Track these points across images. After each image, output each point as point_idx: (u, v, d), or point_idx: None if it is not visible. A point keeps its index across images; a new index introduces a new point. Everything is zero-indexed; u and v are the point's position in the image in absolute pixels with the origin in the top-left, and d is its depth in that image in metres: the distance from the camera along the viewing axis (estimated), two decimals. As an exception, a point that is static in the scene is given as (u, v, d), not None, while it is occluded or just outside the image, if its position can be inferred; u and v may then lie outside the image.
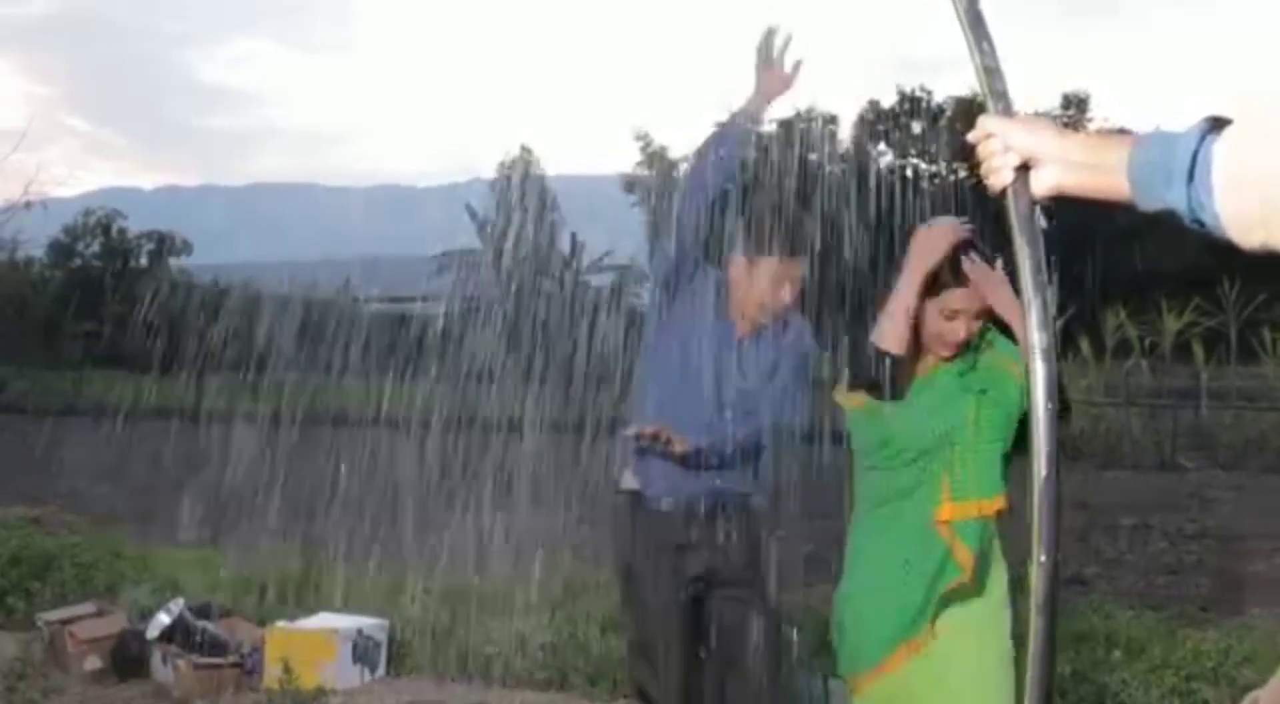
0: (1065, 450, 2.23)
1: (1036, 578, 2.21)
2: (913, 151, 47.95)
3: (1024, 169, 2.30)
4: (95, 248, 46.64)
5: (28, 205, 48.63)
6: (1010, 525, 4.29)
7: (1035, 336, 2.23)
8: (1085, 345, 26.12)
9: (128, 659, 8.11)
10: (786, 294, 5.76)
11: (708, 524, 5.51)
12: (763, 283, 5.69)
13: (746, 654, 5.43)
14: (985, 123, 2.38)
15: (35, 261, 46.25)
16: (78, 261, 45.20)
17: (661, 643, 5.47)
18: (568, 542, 8.95)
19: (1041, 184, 2.29)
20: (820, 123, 42.04)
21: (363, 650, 7.85)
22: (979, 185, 2.47)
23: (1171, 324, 27.19)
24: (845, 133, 45.64)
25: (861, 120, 46.55)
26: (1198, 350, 26.33)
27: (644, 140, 45.20)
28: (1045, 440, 2.20)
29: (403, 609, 8.31)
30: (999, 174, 2.33)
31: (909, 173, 44.87)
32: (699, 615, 5.51)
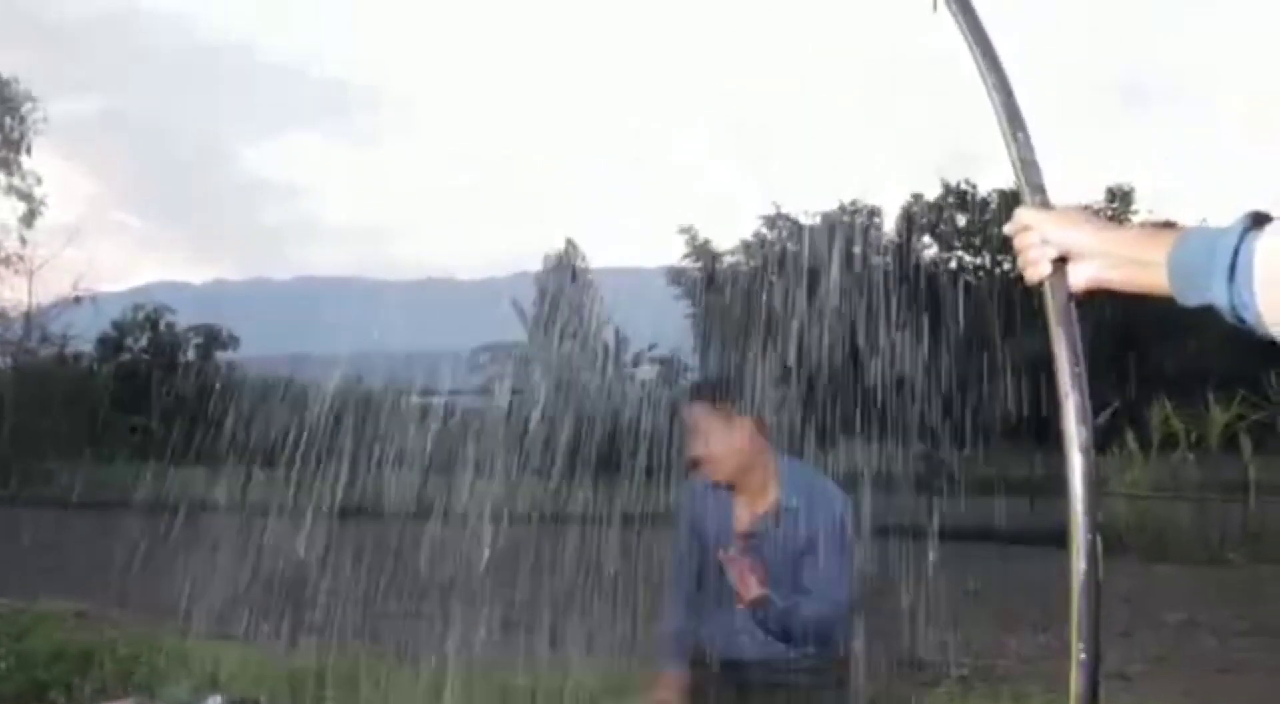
0: (1109, 543, 2.18)
1: (1076, 674, 2.17)
2: (958, 244, 48.03)
3: (1061, 262, 2.27)
4: (143, 342, 47.01)
5: (77, 300, 49.40)
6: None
7: (1074, 430, 2.20)
8: (1131, 438, 25.93)
9: (166, 756, 8.11)
10: (701, 444, 5.61)
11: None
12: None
13: None
14: (1022, 216, 2.36)
15: (84, 356, 46.62)
16: (126, 356, 45.50)
17: None
18: (613, 638, 8.90)
19: (1080, 277, 2.26)
20: (865, 216, 42.23)
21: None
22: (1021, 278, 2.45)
23: (1219, 417, 26.95)
24: (889, 225, 45.80)
25: (905, 213, 46.63)
26: (1245, 443, 26.08)
27: (689, 234, 45.50)
28: (1084, 533, 2.16)
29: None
30: (1036, 267, 2.30)
31: (953, 265, 44.97)
32: None
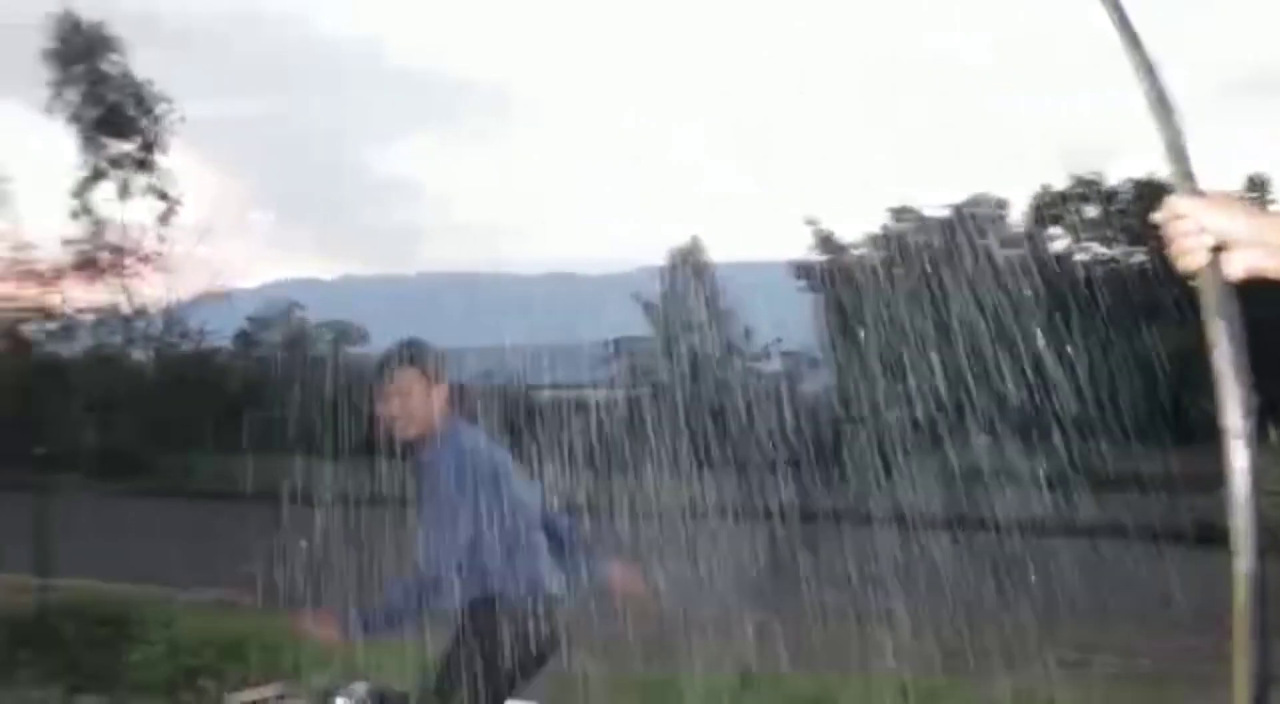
0: (1263, 542, 2.13)
1: (1241, 675, 2.12)
2: (1087, 235, 47.47)
3: (1217, 250, 2.22)
4: (276, 337, 47.52)
5: (214, 297, 50.00)
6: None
7: (1237, 422, 2.14)
8: (1275, 435, 25.38)
9: (311, 739, 8.19)
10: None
11: None
12: None
13: None
14: (1176, 204, 2.31)
15: (220, 351, 47.24)
16: (260, 350, 46.01)
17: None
18: (746, 624, 8.89)
19: (1237, 266, 2.21)
20: (992, 207, 41.91)
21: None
22: (1164, 267, 2.40)
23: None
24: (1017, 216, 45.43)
25: (1034, 205, 46.16)
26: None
27: (814, 226, 45.20)
28: (1247, 529, 2.11)
29: (569, 694, 8.29)
30: (1193, 256, 2.25)
31: (1084, 256, 44.49)
32: None
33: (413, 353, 6.79)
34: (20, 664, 10.18)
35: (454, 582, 6.39)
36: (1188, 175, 2.33)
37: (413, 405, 6.59)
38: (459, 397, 6.92)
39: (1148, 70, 2.41)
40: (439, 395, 6.64)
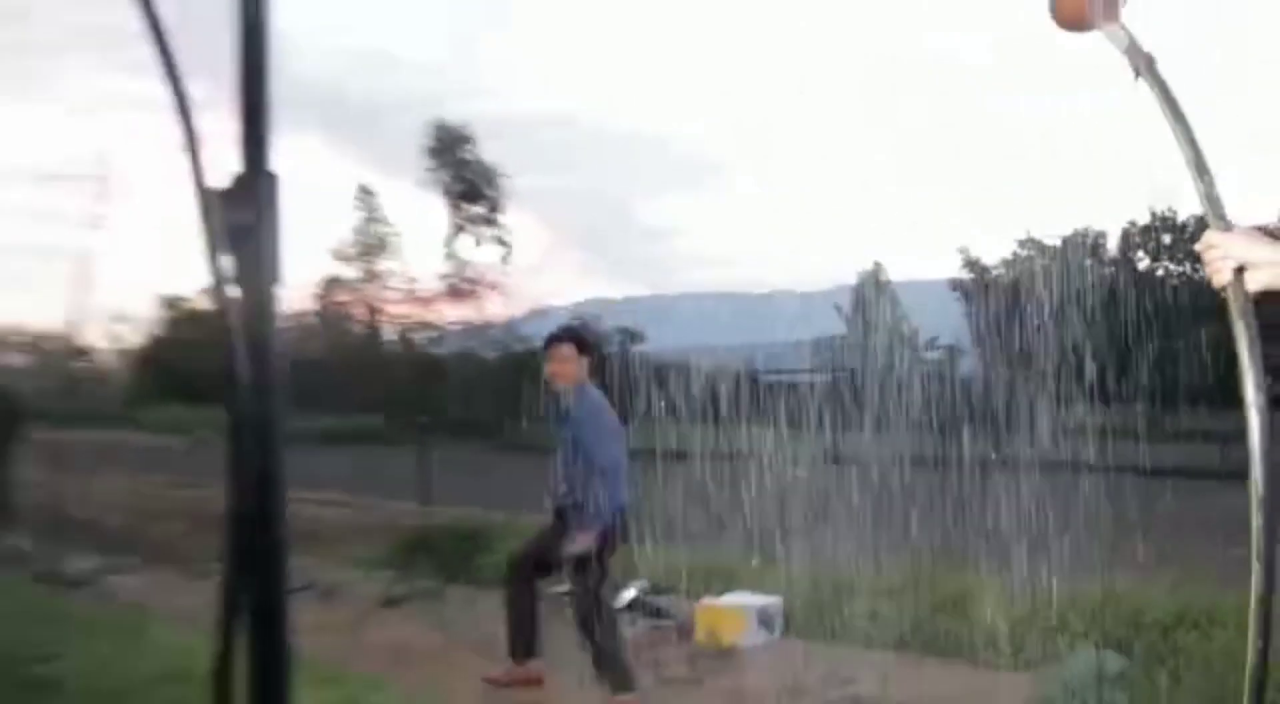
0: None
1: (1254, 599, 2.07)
2: (1164, 258, 45.90)
3: (1240, 271, 2.26)
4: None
5: (537, 313, 50.93)
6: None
7: (1252, 396, 2.14)
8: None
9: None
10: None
11: None
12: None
13: None
14: (1209, 236, 2.36)
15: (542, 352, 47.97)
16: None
17: None
18: (909, 547, 8.77)
19: (1254, 283, 2.26)
20: (1093, 237, 40.83)
21: (765, 619, 7.82)
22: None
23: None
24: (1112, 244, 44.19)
25: (1124, 235, 44.79)
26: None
27: (964, 253, 44.86)
28: (1260, 479, 2.09)
29: (794, 592, 8.24)
30: (1220, 275, 2.30)
31: (1161, 273, 43.10)
32: None
33: (568, 332, 7.45)
34: (413, 563, 10.43)
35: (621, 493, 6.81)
36: (1220, 216, 2.36)
37: (565, 368, 6.94)
38: (595, 365, 7.40)
39: (1189, 140, 2.38)
40: (583, 364, 6.98)
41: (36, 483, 13.68)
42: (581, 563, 6.69)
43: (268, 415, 1.13)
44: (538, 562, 7.12)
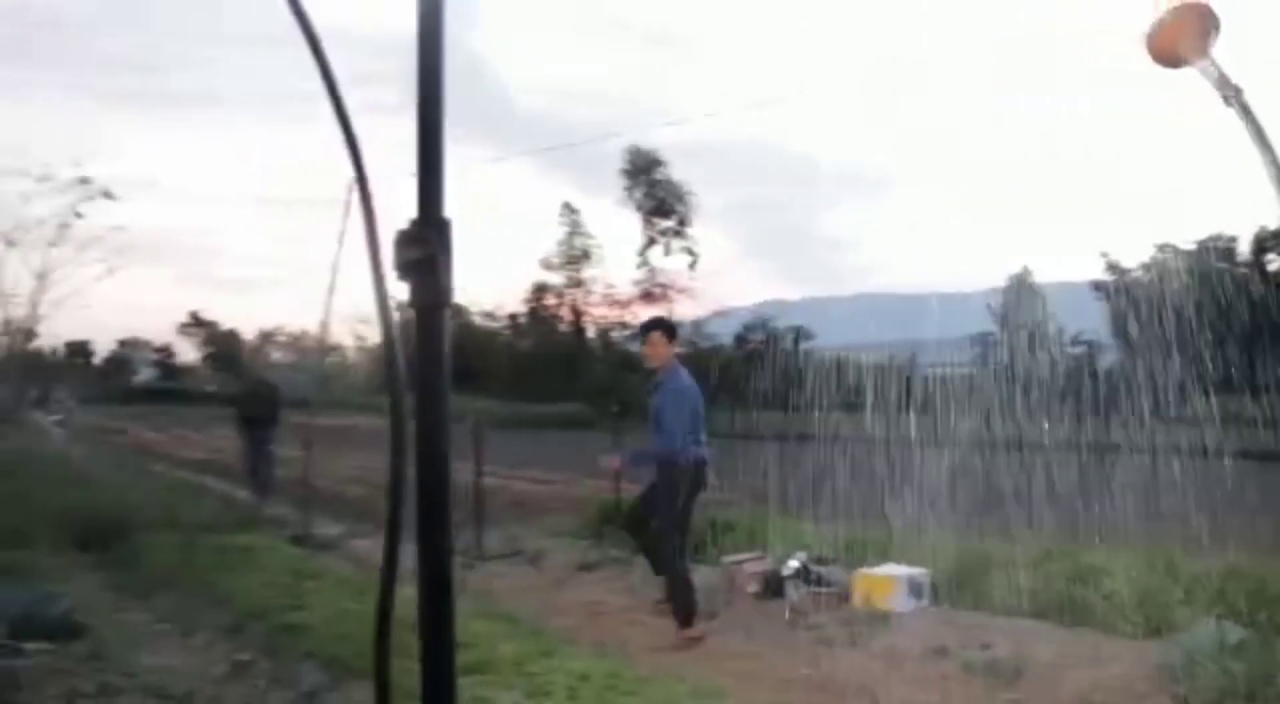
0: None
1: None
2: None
3: None
4: (760, 337, 48.04)
5: (720, 314, 50.97)
6: None
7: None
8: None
9: (772, 587, 8.30)
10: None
11: None
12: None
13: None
14: None
15: (725, 347, 48.17)
16: (749, 346, 46.50)
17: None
18: (1049, 523, 8.60)
19: None
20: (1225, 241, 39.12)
21: (914, 588, 7.76)
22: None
23: None
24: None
25: (1255, 239, 42.72)
26: None
27: (1106, 256, 43.46)
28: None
29: (941, 564, 8.16)
30: None
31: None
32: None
33: (659, 322, 8.12)
34: (606, 534, 10.61)
35: (676, 447, 7.25)
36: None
37: (657, 350, 7.63)
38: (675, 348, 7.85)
39: (1275, 163, 2.33)
40: (670, 348, 7.65)
41: (293, 460, 14.31)
42: (664, 505, 7.37)
43: (438, 409, 1.24)
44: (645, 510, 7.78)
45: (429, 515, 1.22)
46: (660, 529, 7.45)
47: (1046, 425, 9.67)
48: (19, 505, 10.98)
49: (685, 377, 7.58)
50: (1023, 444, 9.64)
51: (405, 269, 1.21)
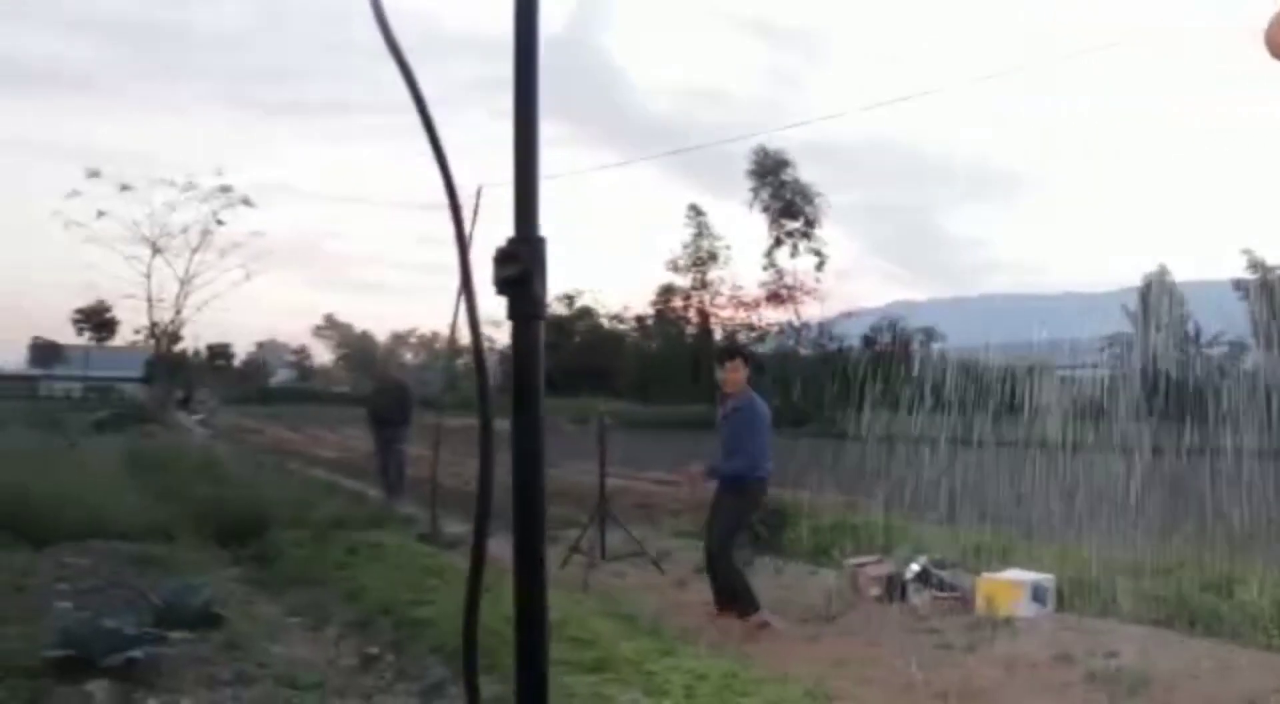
0: None
1: None
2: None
3: None
4: (888, 339, 47.57)
5: (848, 315, 50.64)
6: None
7: None
8: None
9: (895, 590, 8.26)
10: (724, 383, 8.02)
11: None
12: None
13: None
14: None
15: (852, 349, 47.86)
16: (877, 348, 46.10)
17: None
18: (1181, 529, 8.40)
19: None
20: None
21: (1038, 594, 7.65)
22: None
23: None
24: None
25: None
26: None
27: (1248, 254, 42.00)
28: None
29: (1065, 570, 8.03)
30: None
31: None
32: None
33: (734, 349, 9.26)
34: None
35: (756, 467, 7.80)
36: None
37: (736, 377, 8.01)
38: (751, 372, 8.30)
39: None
40: (744, 372, 8.09)
41: (422, 460, 14.65)
42: (734, 519, 7.94)
43: (533, 413, 1.33)
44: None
45: (524, 515, 1.31)
46: (724, 541, 7.90)
47: (1181, 428, 9.44)
48: (165, 501, 11.48)
49: (760, 402, 8.09)
50: (1156, 448, 9.43)
51: (503, 285, 1.30)
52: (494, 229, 1.38)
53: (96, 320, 79.77)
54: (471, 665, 1.34)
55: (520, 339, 1.32)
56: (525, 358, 1.32)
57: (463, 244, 1.26)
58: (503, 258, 1.30)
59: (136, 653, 5.25)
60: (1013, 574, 7.92)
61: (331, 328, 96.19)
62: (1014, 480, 9.39)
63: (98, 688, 5.07)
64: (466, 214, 10.35)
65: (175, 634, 5.87)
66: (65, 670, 5.14)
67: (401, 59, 1.25)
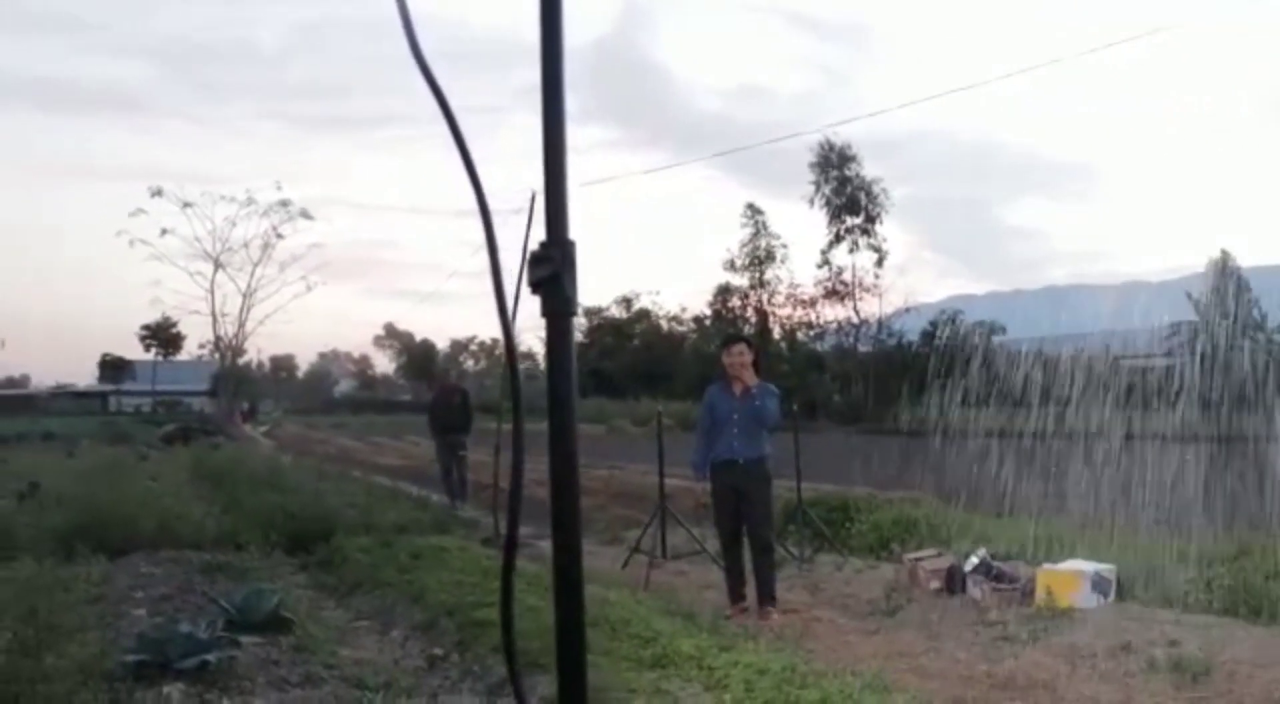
0: None
1: None
2: None
3: None
4: (947, 333, 47.30)
5: (907, 310, 50.32)
6: None
7: None
8: None
9: (955, 583, 8.27)
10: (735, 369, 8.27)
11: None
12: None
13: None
14: None
15: (912, 343, 47.53)
16: (937, 342, 45.81)
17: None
18: (1245, 518, 8.33)
19: None
20: None
21: (1099, 584, 7.62)
22: None
23: None
24: None
25: None
26: None
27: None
28: None
29: (1125, 560, 7.99)
30: None
31: None
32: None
33: (742, 338, 9.24)
34: (787, 533, 10.68)
35: (757, 444, 8.17)
36: None
37: (742, 362, 8.27)
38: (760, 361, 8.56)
39: None
40: (751, 360, 8.33)
41: (483, 465, 14.82)
42: (767, 504, 8.32)
43: (567, 408, 1.41)
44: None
45: (560, 510, 1.40)
46: (771, 531, 8.43)
47: (1247, 417, 9.35)
48: (232, 510, 11.72)
49: (768, 386, 8.43)
50: (1222, 436, 9.35)
51: (536, 285, 1.39)
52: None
53: (162, 336, 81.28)
54: (510, 650, 1.43)
55: (554, 336, 1.41)
56: (559, 355, 1.41)
57: (493, 250, 1.35)
58: (535, 261, 1.39)
59: (210, 657, 5.40)
60: (1073, 565, 7.89)
61: (391, 337, 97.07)
62: (1074, 471, 9.33)
63: (174, 690, 5.23)
64: (521, 219, 10.48)
65: (247, 639, 6.03)
66: (142, 674, 5.30)
67: (427, 70, 1.34)
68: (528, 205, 10.51)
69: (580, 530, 1.42)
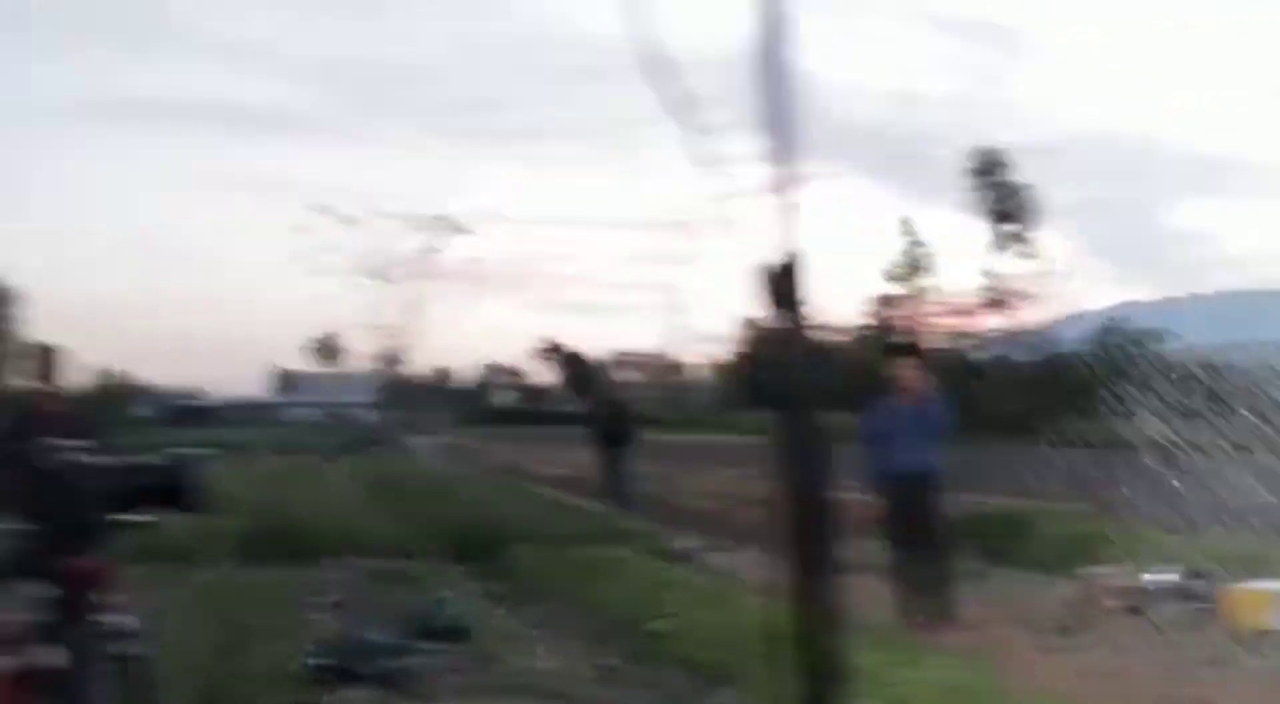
0: None
1: None
2: None
3: None
4: (1116, 341, 45.89)
5: (1069, 318, 49.07)
6: None
7: None
8: None
9: (1136, 602, 7.94)
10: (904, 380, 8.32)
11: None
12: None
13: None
14: None
15: (1076, 354, 46.28)
16: (1099, 351, 44.42)
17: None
18: None
19: None
20: None
21: (1296, 605, 7.22)
22: None
23: None
24: None
25: None
26: None
27: None
28: None
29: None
30: None
31: None
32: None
33: (911, 347, 9.94)
34: (958, 547, 10.40)
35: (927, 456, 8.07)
36: None
37: (911, 375, 8.36)
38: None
39: None
40: (923, 371, 8.56)
41: (647, 476, 14.88)
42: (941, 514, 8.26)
43: (807, 425, 1.38)
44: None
45: (809, 521, 1.36)
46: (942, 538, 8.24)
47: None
48: (403, 520, 12.00)
49: (936, 397, 8.54)
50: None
51: (770, 301, 1.36)
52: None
53: (328, 349, 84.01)
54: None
55: (784, 349, 1.38)
56: (792, 371, 1.38)
57: (741, 263, 1.32)
58: (770, 277, 1.36)
59: (392, 663, 5.53)
60: (1264, 584, 7.51)
61: (551, 349, 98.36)
62: (1263, 486, 8.90)
63: (357, 696, 5.36)
64: (679, 233, 10.52)
65: (426, 645, 6.14)
66: (327, 679, 5.44)
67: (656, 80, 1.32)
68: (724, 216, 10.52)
69: (830, 551, 1.37)
